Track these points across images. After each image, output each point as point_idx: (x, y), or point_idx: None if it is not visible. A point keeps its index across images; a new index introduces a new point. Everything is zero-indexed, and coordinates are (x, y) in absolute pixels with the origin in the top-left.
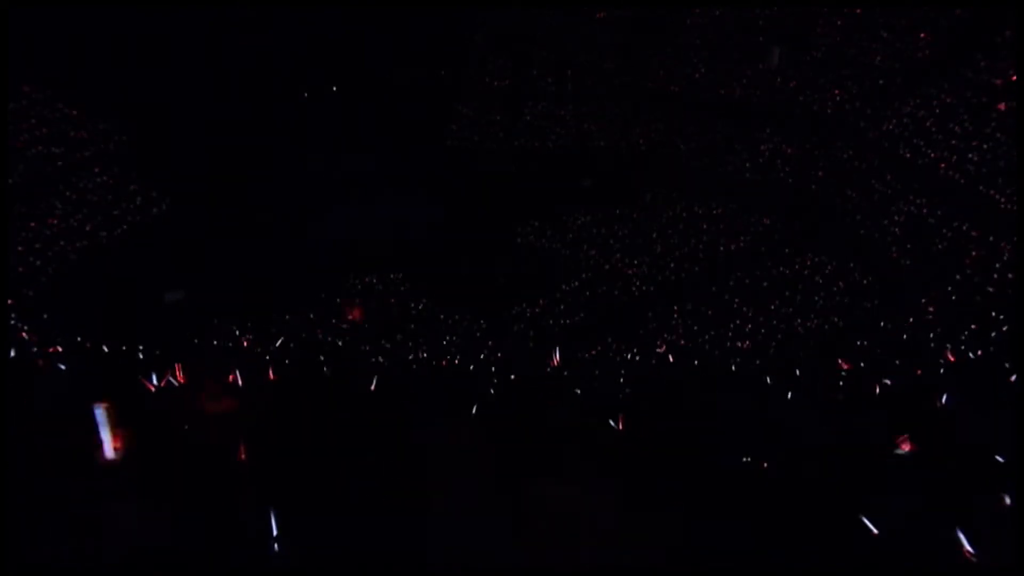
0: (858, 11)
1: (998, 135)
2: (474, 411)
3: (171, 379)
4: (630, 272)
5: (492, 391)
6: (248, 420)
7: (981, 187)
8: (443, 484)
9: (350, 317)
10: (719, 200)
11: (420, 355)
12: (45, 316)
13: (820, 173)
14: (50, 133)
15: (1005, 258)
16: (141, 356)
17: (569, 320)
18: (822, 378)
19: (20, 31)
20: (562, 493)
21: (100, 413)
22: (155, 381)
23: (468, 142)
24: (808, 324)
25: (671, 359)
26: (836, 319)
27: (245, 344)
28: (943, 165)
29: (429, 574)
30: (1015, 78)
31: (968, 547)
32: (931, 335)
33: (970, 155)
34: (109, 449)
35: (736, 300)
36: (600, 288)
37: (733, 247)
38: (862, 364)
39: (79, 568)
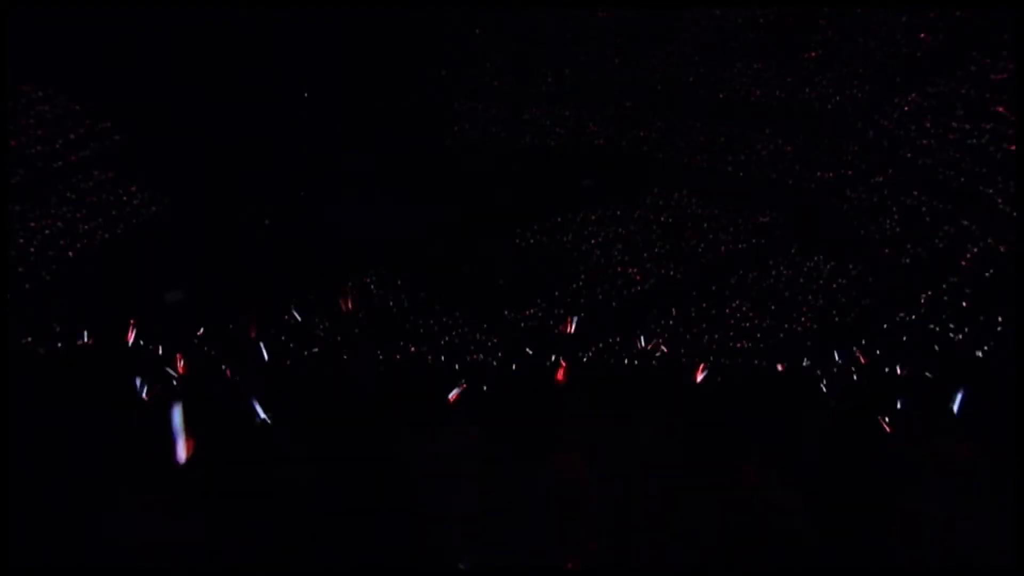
0: (858, 11)
1: (998, 135)
2: (470, 410)
3: (171, 371)
4: (630, 272)
5: (491, 391)
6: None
7: (981, 187)
8: (438, 484)
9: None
10: (719, 200)
11: (418, 356)
12: (45, 315)
13: (820, 173)
14: (50, 133)
15: (1001, 251)
16: (141, 354)
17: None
18: (824, 378)
19: (20, 31)
20: (561, 489)
21: (177, 414)
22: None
23: (468, 142)
24: (808, 324)
25: (671, 359)
26: (836, 319)
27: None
28: (943, 165)
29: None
30: (1015, 78)
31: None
32: (929, 335)
33: (970, 155)
34: (181, 451)
35: (736, 300)
36: (600, 288)
37: (733, 247)
38: (863, 363)
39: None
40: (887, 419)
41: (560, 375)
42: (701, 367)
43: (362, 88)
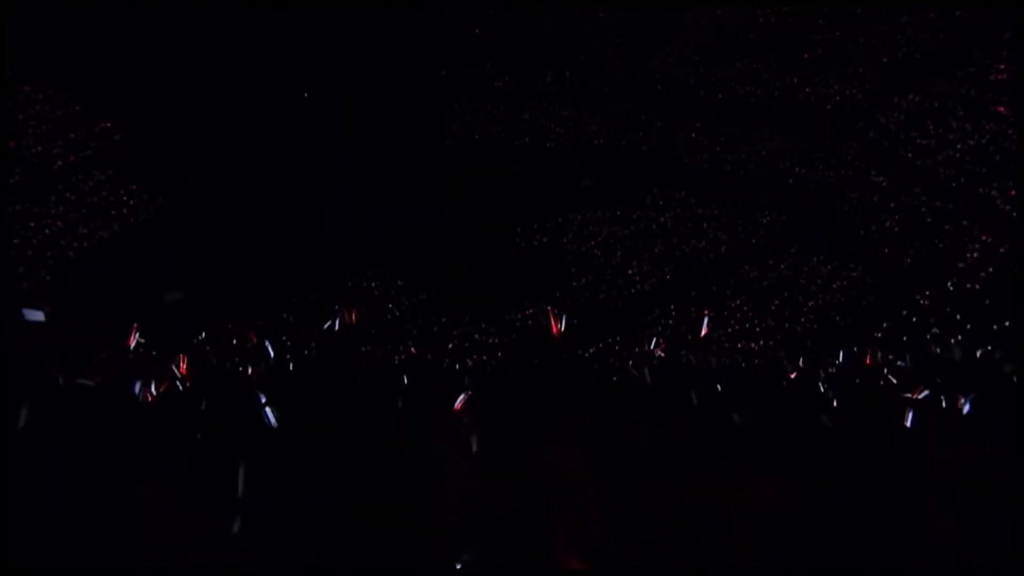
0: (859, 11)
1: (998, 135)
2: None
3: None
4: (630, 272)
5: (490, 391)
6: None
7: (981, 187)
8: (438, 484)
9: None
10: (719, 200)
11: (418, 356)
12: (44, 316)
13: (820, 173)
14: (50, 133)
15: (1001, 251)
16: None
17: (569, 321)
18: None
19: (20, 31)
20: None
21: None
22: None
23: (468, 142)
24: (808, 324)
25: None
26: (837, 319)
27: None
28: (943, 165)
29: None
30: (1016, 78)
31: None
32: (929, 335)
33: (970, 155)
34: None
35: (737, 300)
36: (600, 288)
37: (733, 247)
38: (868, 364)
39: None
40: (898, 417)
41: (555, 330)
42: (706, 321)
43: (362, 88)
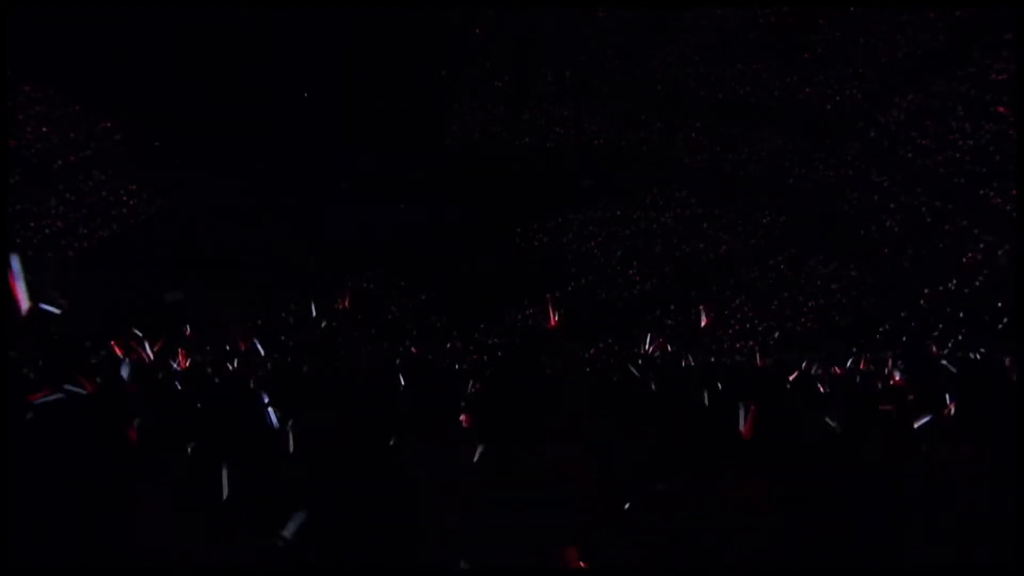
0: (859, 11)
1: (998, 135)
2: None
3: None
4: (630, 272)
5: (490, 391)
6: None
7: (981, 187)
8: (438, 485)
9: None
10: (719, 200)
11: (418, 356)
12: (44, 317)
13: (820, 173)
14: (50, 133)
15: (1001, 251)
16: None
17: (569, 321)
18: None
19: (20, 31)
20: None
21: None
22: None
23: (468, 142)
24: (808, 324)
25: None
26: (837, 319)
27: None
28: (943, 165)
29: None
30: (1016, 78)
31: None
32: (929, 335)
33: (970, 155)
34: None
35: (736, 300)
36: (600, 288)
37: (733, 247)
38: (863, 365)
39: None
40: (898, 418)
41: (553, 322)
42: (709, 313)
43: (362, 88)
